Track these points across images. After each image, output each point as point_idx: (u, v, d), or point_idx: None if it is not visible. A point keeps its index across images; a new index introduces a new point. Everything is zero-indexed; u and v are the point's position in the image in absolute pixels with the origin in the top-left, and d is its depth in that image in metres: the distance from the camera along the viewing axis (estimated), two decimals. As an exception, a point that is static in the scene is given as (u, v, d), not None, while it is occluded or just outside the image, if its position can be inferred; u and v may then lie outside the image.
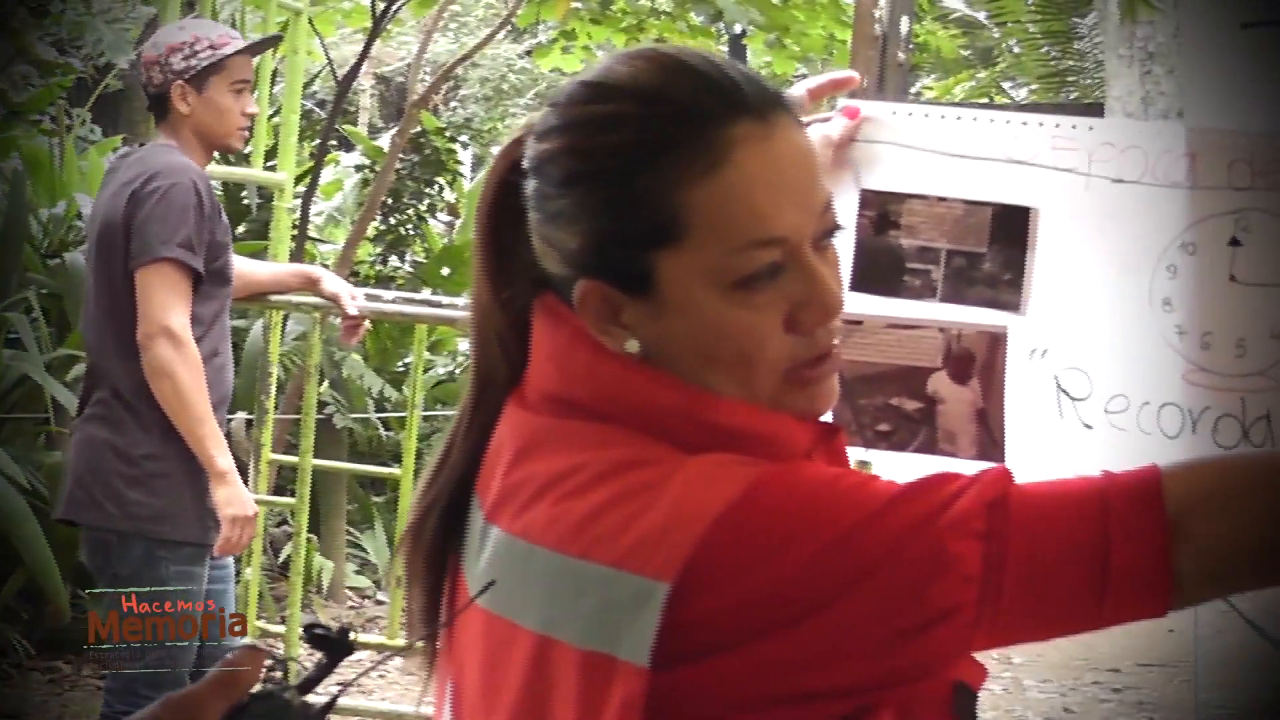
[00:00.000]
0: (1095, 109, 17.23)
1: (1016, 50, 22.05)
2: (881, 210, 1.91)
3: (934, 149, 1.90)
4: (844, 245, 1.92)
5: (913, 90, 20.66)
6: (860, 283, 1.92)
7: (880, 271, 1.92)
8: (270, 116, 6.50)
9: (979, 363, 1.91)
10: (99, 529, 4.27)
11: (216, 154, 4.73)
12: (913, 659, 1.38)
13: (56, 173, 8.19)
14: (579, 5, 9.78)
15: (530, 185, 1.50)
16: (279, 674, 1.24)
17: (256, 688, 1.23)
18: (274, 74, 6.68)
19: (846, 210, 1.91)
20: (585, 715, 1.38)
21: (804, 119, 1.91)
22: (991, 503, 1.37)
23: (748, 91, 1.44)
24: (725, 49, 12.68)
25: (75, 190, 8.02)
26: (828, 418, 1.51)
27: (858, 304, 1.92)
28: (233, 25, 8.49)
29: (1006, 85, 23.12)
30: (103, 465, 4.25)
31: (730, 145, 1.41)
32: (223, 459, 4.20)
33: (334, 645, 1.27)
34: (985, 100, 21.94)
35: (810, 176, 1.45)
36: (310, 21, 6.94)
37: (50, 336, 7.06)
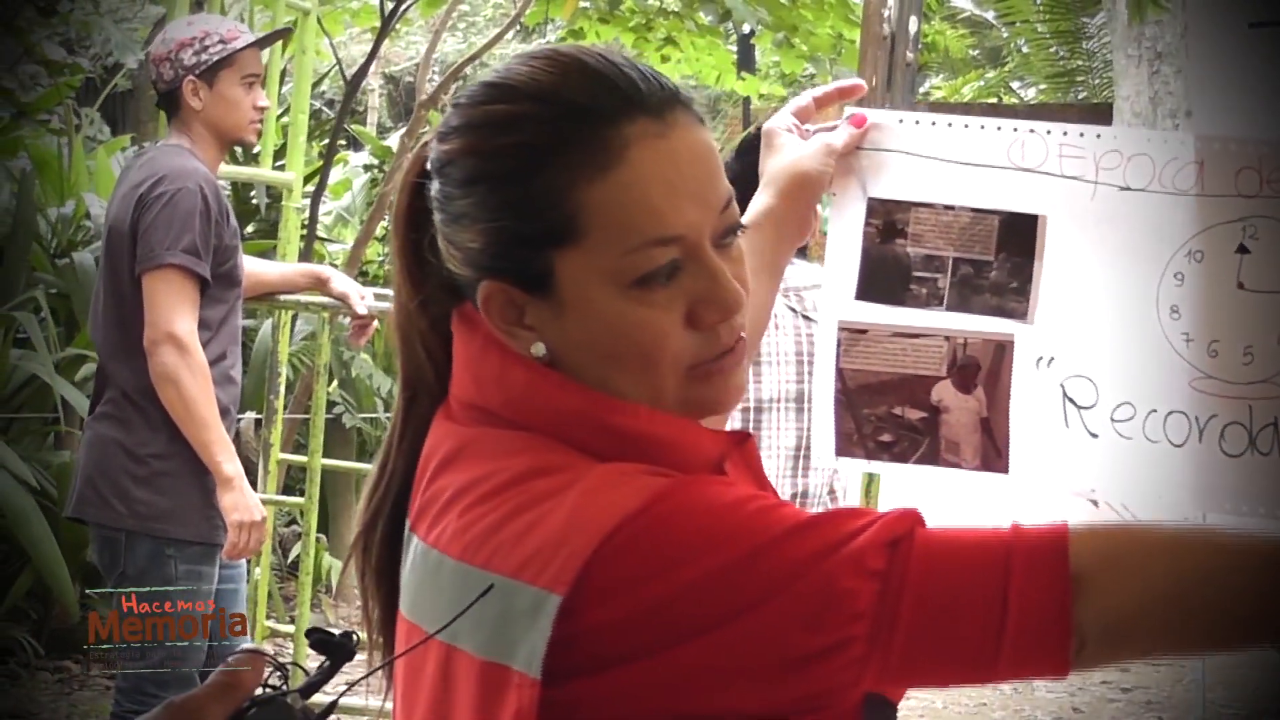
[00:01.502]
0: (1103, 109, 17.22)
1: (1025, 50, 22.03)
2: (888, 219, 1.91)
3: (941, 157, 1.90)
4: (850, 253, 1.92)
5: (921, 90, 20.65)
6: (866, 292, 1.93)
7: (886, 280, 1.92)
8: (279, 116, 6.51)
9: (984, 371, 1.91)
10: (107, 528, 4.28)
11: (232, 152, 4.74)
12: (802, 690, 1.36)
13: (65, 173, 8.19)
14: (587, 4, 9.78)
15: (434, 187, 1.51)
16: (281, 678, 1.24)
17: (259, 691, 1.23)
18: (282, 74, 6.69)
19: (853, 218, 1.91)
20: None
21: (811, 126, 1.91)
22: (892, 542, 1.36)
23: (645, 90, 1.44)
24: (734, 48, 12.68)
25: (83, 190, 8.03)
26: (735, 423, 1.50)
27: (863, 313, 1.92)
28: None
29: (1015, 85, 23.10)
30: (111, 464, 4.25)
31: (626, 144, 1.42)
32: (229, 465, 4.20)
33: (337, 649, 1.28)
34: (994, 100, 21.91)
35: (709, 173, 1.45)
36: (319, 21, 6.94)
37: (59, 336, 7.06)
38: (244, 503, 4.21)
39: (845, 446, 1.95)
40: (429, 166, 1.52)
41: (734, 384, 1.49)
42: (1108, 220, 1.86)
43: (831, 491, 3.97)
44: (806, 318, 3.95)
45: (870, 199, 1.91)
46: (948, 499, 2.07)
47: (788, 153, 1.90)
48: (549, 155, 1.43)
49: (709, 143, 1.48)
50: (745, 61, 13.00)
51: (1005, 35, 22.07)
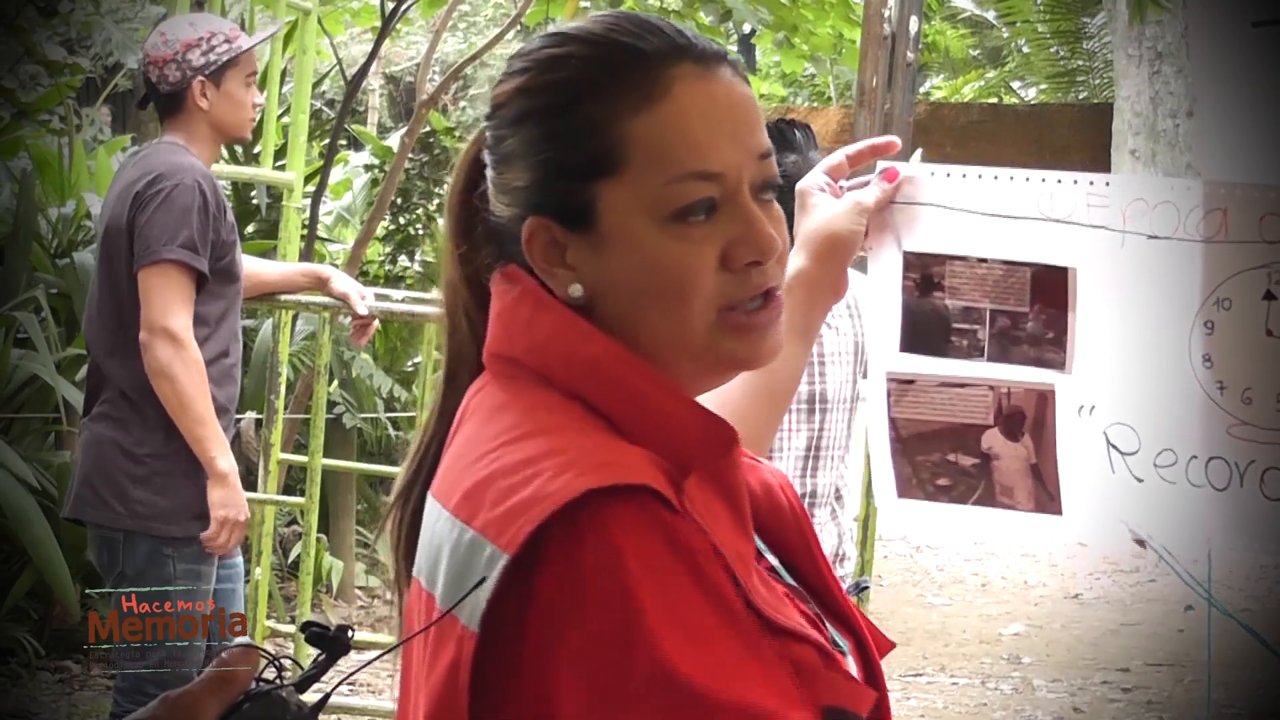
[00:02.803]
0: (1104, 109, 17.23)
1: (1025, 50, 22.04)
2: (925, 272, 1.95)
3: (972, 209, 1.93)
4: (891, 307, 1.95)
5: (921, 90, 20.67)
6: (910, 344, 1.97)
7: (928, 332, 1.96)
8: (279, 116, 6.50)
9: (1030, 419, 1.95)
10: (105, 528, 4.28)
11: (226, 153, 4.74)
12: None
13: (65, 172, 8.19)
14: (587, 4, 9.78)
15: (487, 135, 1.57)
16: (275, 672, 1.24)
17: (253, 685, 1.23)
18: (283, 74, 6.68)
19: (891, 272, 1.95)
20: (429, 673, 1.42)
21: (845, 183, 1.93)
22: None
23: (691, 40, 1.51)
24: (734, 48, 12.68)
25: (84, 190, 8.03)
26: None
27: (909, 364, 1.96)
28: (241, 25, 8.49)
29: (1015, 85, 23.11)
30: (108, 464, 4.25)
31: (670, 80, 1.48)
32: (223, 460, 4.21)
33: (332, 643, 1.28)
34: (994, 100, 21.92)
35: (749, 121, 1.50)
36: (319, 21, 6.93)
37: (59, 336, 7.06)
38: (233, 500, 4.21)
39: (905, 489, 2.01)
40: (485, 123, 1.58)
41: (766, 343, 1.51)
42: (1137, 269, 1.89)
43: (838, 495, 3.97)
44: (830, 325, 3.95)
45: (905, 253, 1.94)
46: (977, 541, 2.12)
47: (820, 213, 1.92)
48: (594, 89, 1.48)
49: (751, 96, 1.52)
50: (746, 61, 12.99)
51: (1006, 35, 22.08)
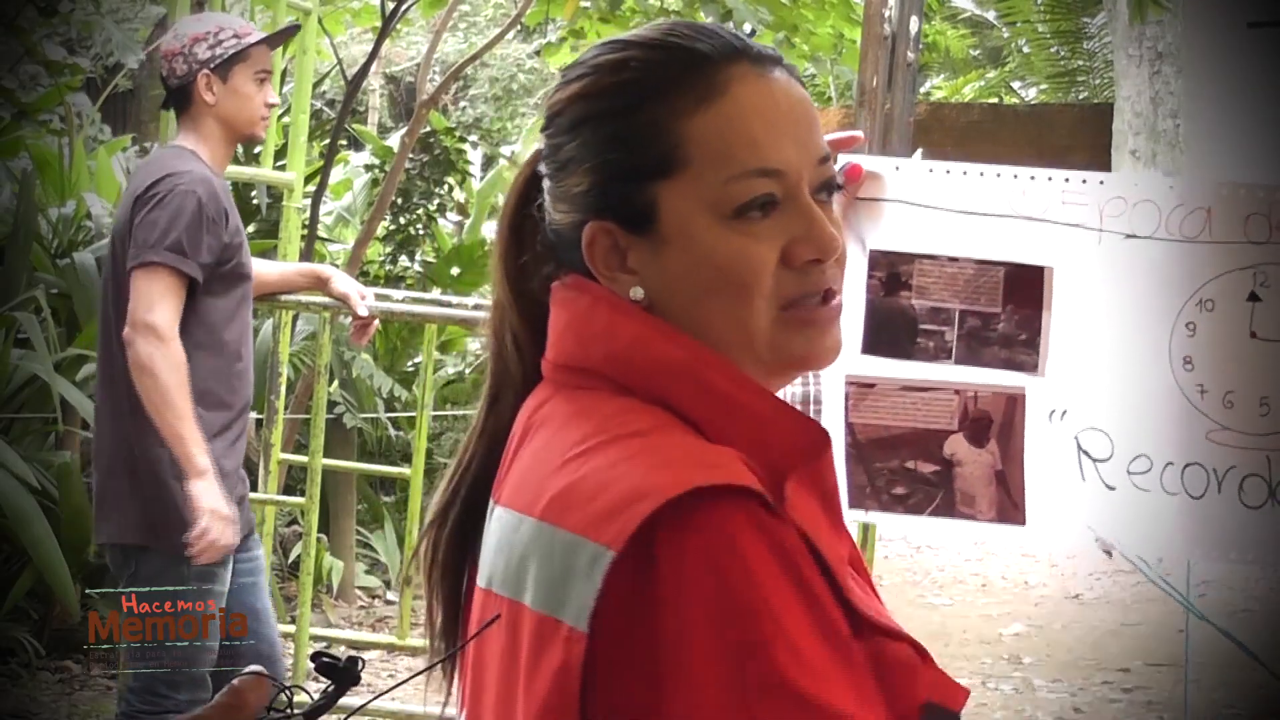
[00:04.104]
0: (1104, 109, 17.23)
1: (1025, 50, 22.03)
2: (891, 271, 1.88)
3: (940, 205, 1.87)
4: (854, 307, 1.89)
5: (922, 90, 20.65)
6: (872, 345, 1.90)
7: (892, 333, 1.89)
8: (280, 116, 6.50)
9: (996, 424, 1.88)
10: (117, 548, 4.28)
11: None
12: None
13: (65, 172, 8.19)
14: (588, 4, 9.77)
15: (544, 145, 1.57)
16: (286, 700, 1.24)
17: (263, 715, 1.23)
18: (283, 74, 6.68)
19: (854, 271, 1.88)
20: (531, 679, 1.40)
21: None
22: None
23: (748, 43, 1.52)
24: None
25: (84, 190, 8.03)
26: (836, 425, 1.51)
27: (870, 367, 1.90)
28: (242, 25, 8.48)
29: (1015, 85, 23.10)
30: (119, 479, 4.25)
31: (728, 80, 1.49)
32: (201, 457, 4.17)
33: (341, 674, 1.27)
34: (994, 100, 21.91)
35: (808, 123, 1.51)
36: (320, 21, 6.94)
37: (59, 336, 7.06)
38: (219, 494, 4.18)
39: (858, 498, 1.93)
40: (541, 137, 1.59)
41: (828, 340, 1.51)
42: (1114, 269, 1.83)
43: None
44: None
45: (872, 251, 1.88)
46: (963, 543, 2.07)
47: None
48: (653, 91, 1.50)
49: (809, 100, 1.53)
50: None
51: (1006, 35, 22.07)
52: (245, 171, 7.27)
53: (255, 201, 8.62)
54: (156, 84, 10.04)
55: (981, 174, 1.86)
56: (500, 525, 1.50)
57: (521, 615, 1.43)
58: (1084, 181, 1.84)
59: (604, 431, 1.45)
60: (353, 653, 1.29)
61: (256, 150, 7.40)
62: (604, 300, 1.52)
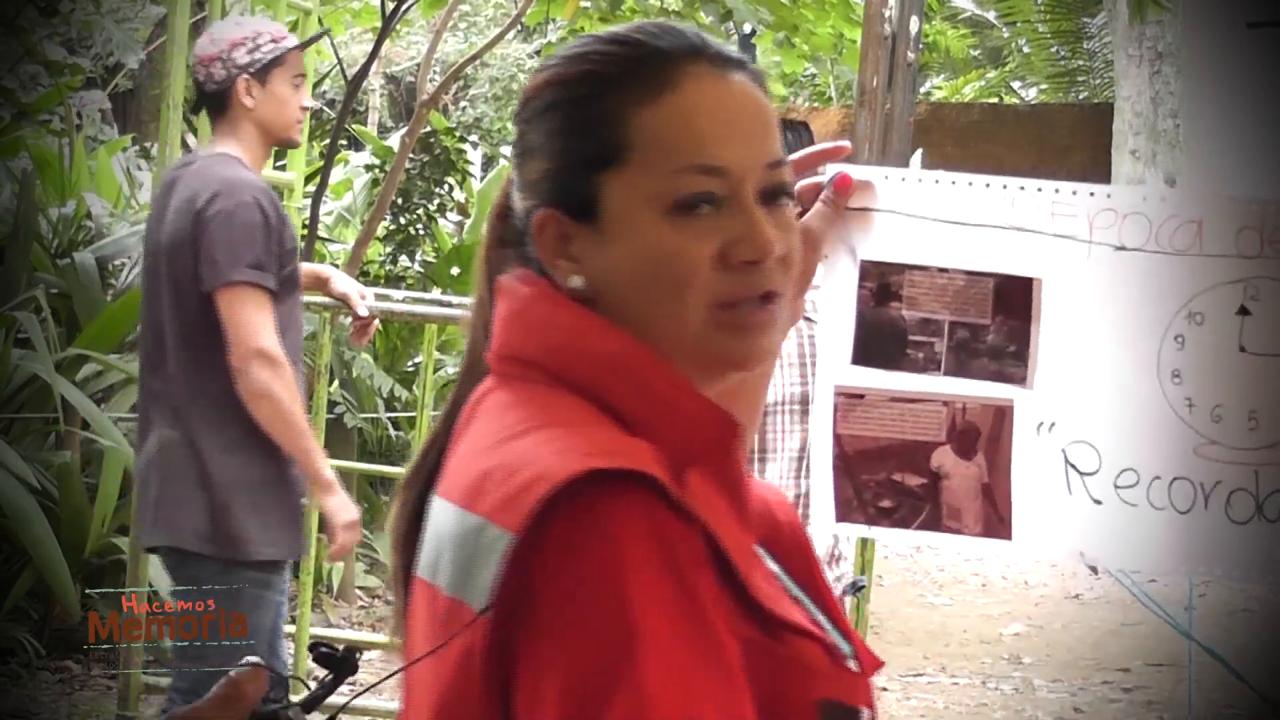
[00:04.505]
0: (1104, 109, 17.24)
1: (1026, 50, 22.04)
2: (881, 281, 1.87)
3: (931, 216, 1.86)
4: (845, 317, 1.88)
5: (922, 90, 20.66)
6: (862, 356, 1.89)
7: (882, 344, 1.88)
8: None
9: (984, 437, 1.87)
10: (176, 551, 4.27)
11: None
12: None
13: (65, 172, 8.20)
14: (588, 4, 9.78)
15: (514, 134, 1.60)
16: (282, 691, 1.24)
17: (260, 705, 1.23)
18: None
19: (845, 281, 1.88)
20: (440, 662, 1.42)
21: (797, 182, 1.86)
22: None
23: (712, 44, 1.54)
24: (734, 48, 12.67)
25: (84, 190, 8.03)
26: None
27: (860, 377, 1.89)
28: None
29: (1016, 85, 23.11)
30: (184, 489, 4.23)
31: (683, 77, 1.51)
32: (328, 471, 4.25)
33: (340, 664, 1.28)
34: (995, 100, 21.91)
35: (760, 125, 1.52)
36: (320, 21, 6.94)
37: (59, 336, 7.06)
38: (345, 504, 4.26)
39: (845, 512, 1.92)
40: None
41: (760, 343, 1.52)
42: (1104, 281, 1.82)
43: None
44: (809, 319, 3.95)
45: (863, 261, 1.87)
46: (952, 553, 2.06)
47: None
48: (607, 82, 1.52)
49: (767, 106, 1.54)
50: (746, 61, 12.97)
51: (1006, 35, 22.08)
52: (245, 171, 7.26)
53: (255, 201, 8.61)
54: (156, 84, 10.04)
55: (970, 184, 1.85)
56: (432, 513, 1.52)
57: (437, 600, 1.45)
58: (1074, 193, 1.83)
59: (528, 421, 1.47)
60: (350, 644, 1.29)
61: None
62: (543, 292, 1.54)
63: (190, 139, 7.10)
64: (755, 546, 1.54)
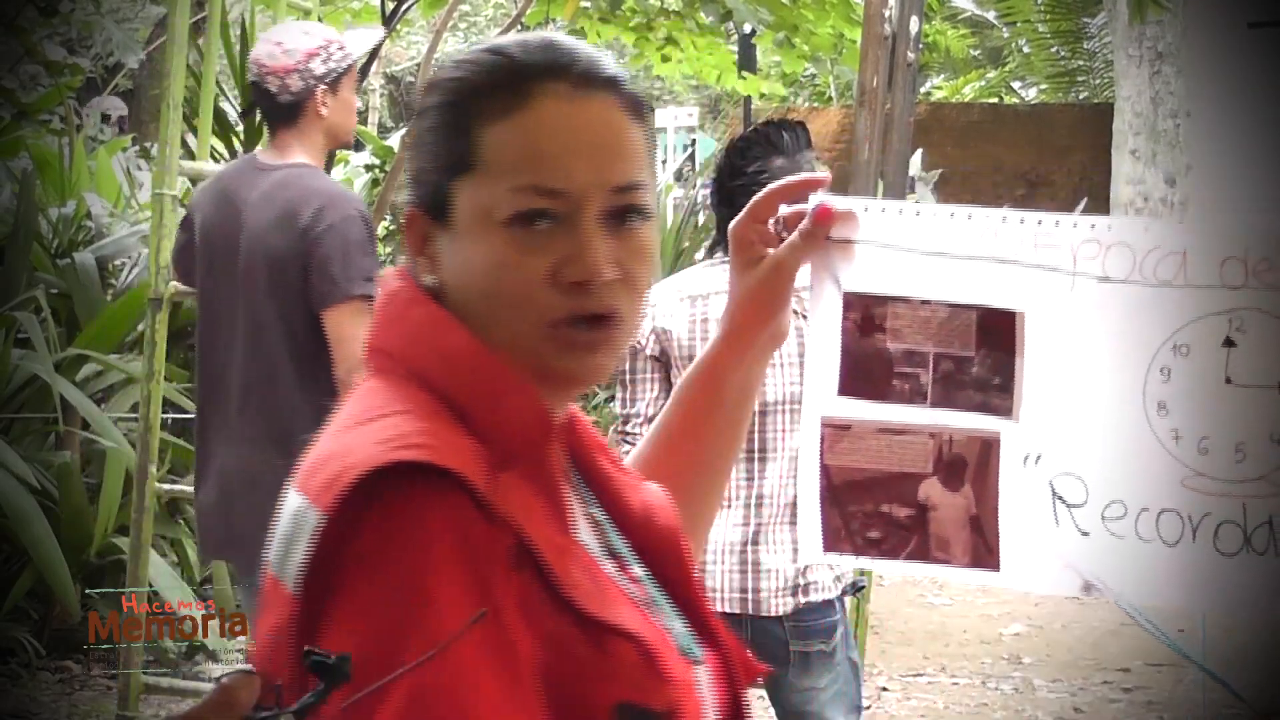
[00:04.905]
0: (1104, 109, 17.24)
1: (1026, 50, 22.05)
2: (865, 313, 1.86)
3: (912, 247, 1.85)
4: (830, 348, 1.87)
5: (922, 90, 20.66)
6: (849, 388, 1.88)
7: (868, 376, 1.87)
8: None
9: (971, 468, 1.86)
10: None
11: (227, 154, 4.72)
12: None
13: (65, 173, 8.19)
14: (587, 4, 9.78)
15: None
16: (275, 698, 1.24)
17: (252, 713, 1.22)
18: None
19: (830, 312, 1.87)
20: (259, 638, 1.47)
21: (784, 210, 1.84)
22: None
23: (579, 64, 1.58)
24: (734, 48, 12.68)
25: (84, 190, 8.03)
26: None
27: (846, 409, 1.89)
28: (242, 26, 8.49)
29: (1016, 85, 23.12)
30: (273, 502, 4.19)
31: (537, 94, 1.55)
32: None
33: (332, 671, 1.27)
34: (995, 100, 21.92)
35: (611, 149, 1.56)
36: (319, 21, 6.94)
37: (59, 336, 7.06)
38: None
39: (833, 542, 1.92)
40: None
41: (591, 362, 1.54)
42: (1088, 314, 1.81)
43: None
44: (807, 319, 3.95)
45: (846, 293, 1.87)
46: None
47: (734, 277, 1.87)
48: (471, 93, 1.57)
49: (624, 128, 1.58)
50: (746, 61, 12.99)
51: (1006, 35, 22.09)
52: (245, 171, 7.25)
53: (255, 201, 8.62)
54: (156, 84, 10.04)
55: (952, 215, 1.85)
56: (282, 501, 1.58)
57: (268, 580, 1.50)
58: (1056, 224, 1.82)
59: (371, 410, 1.52)
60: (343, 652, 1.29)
61: (257, 150, 7.38)
62: (405, 288, 1.59)
63: (190, 139, 7.09)
64: (624, 549, 1.61)
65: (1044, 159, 18.23)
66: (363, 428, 1.50)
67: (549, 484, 1.52)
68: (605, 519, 1.64)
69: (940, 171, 17.34)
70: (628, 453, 4.62)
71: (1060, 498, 1.84)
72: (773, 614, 3.97)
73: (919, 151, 16.03)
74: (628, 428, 4.16)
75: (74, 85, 8.71)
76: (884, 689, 7.42)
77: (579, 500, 1.62)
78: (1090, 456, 1.83)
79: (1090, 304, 1.81)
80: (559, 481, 1.54)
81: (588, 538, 1.58)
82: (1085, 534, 1.83)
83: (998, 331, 1.83)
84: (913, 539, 1.88)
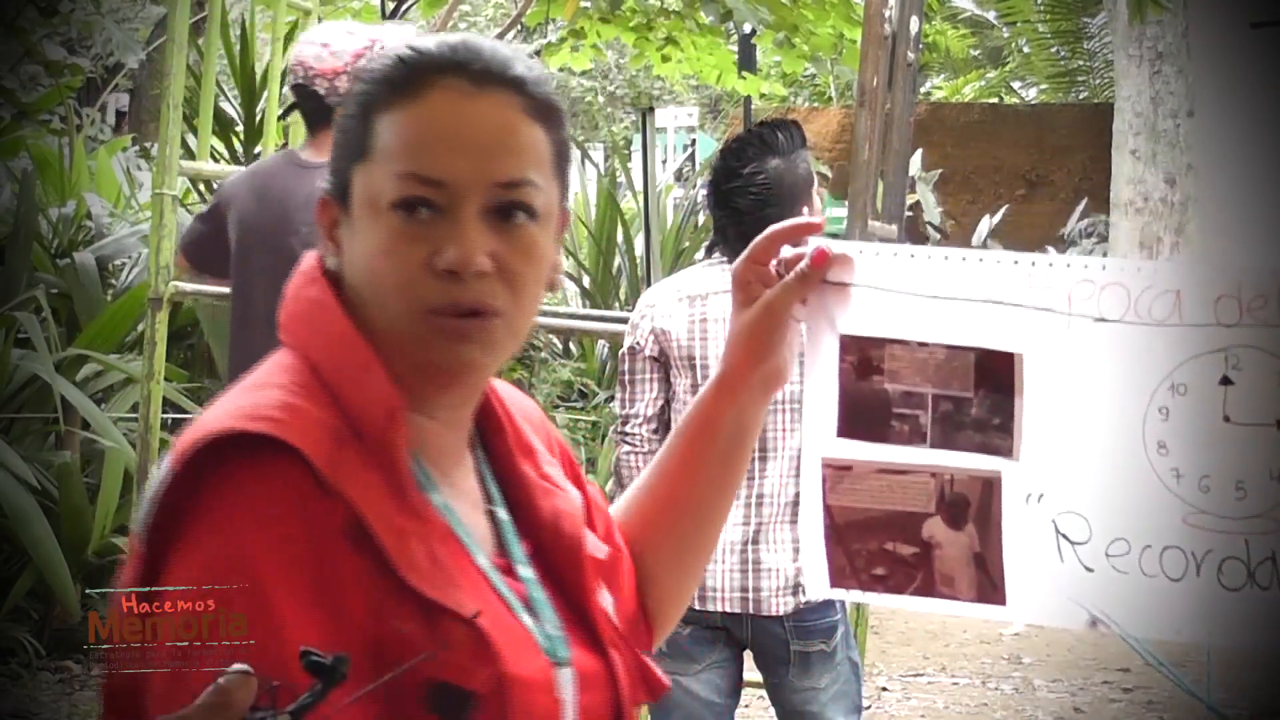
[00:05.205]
0: (1104, 109, 17.24)
1: (1026, 50, 22.05)
2: (862, 355, 1.86)
3: (908, 290, 1.85)
4: (828, 391, 1.87)
5: (923, 90, 20.66)
6: (848, 429, 1.88)
7: (867, 417, 1.87)
8: (280, 117, 6.51)
9: (974, 507, 1.86)
10: None
11: (226, 154, 4.71)
12: None
13: (65, 173, 8.19)
14: (587, 4, 9.79)
15: None
16: (271, 699, 1.24)
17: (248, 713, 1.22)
18: (284, 74, 6.67)
19: (827, 355, 1.86)
20: (121, 594, 1.48)
21: (786, 251, 1.84)
22: None
23: (482, 62, 1.62)
24: (734, 48, 12.68)
25: (84, 190, 8.02)
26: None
27: (847, 450, 1.89)
28: (242, 26, 8.50)
29: (1016, 85, 23.12)
30: None
31: (431, 88, 1.59)
32: None
33: (329, 672, 1.27)
34: (995, 100, 21.92)
35: (499, 146, 1.59)
36: (319, 21, 6.94)
37: (59, 336, 7.06)
38: None
39: (839, 579, 1.92)
40: None
41: (460, 354, 1.58)
42: (1085, 354, 1.81)
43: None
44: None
45: (842, 335, 1.87)
46: None
47: (732, 318, 1.87)
48: (374, 84, 1.62)
49: (518, 126, 1.61)
50: (746, 61, 12.99)
51: (1006, 35, 22.09)
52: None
53: (255, 201, 8.62)
54: (156, 84, 10.04)
55: (947, 258, 1.85)
56: None
57: (132, 535, 1.55)
58: (1051, 265, 1.83)
59: (255, 381, 1.59)
60: (339, 653, 1.29)
61: (257, 150, 7.39)
62: (310, 269, 1.65)
63: (190, 139, 7.09)
64: (517, 551, 1.65)
65: (1044, 159, 18.23)
66: (237, 395, 1.56)
67: (392, 467, 1.55)
68: (508, 520, 1.67)
69: (940, 171, 17.35)
70: (627, 453, 4.61)
71: (1064, 535, 1.84)
72: (773, 613, 3.98)
73: (919, 152, 16.05)
74: (626, 428, 4.16)
75: (74, 85, 8.72)
76: (884, 689, 7.42)
77: (483, 498, 1.67)
78: (1092, 495, 1.83)
79: (1087, 344, 1.81)
80: (403, 465, 1.56)
81: (470, 531, 1.61)
82: (1090, 570, 1.83)
83: (996, 372, 1.83)
84: (918, 575, 1.88)
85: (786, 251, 1.83)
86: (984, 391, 1.84)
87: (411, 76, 1.60)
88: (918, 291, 1.84)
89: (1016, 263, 1.83)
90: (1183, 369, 1.80)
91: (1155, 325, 1.79)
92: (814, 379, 1.89)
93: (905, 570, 1.89)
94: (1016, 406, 1.83)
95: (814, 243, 1.82)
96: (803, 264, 1.81)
